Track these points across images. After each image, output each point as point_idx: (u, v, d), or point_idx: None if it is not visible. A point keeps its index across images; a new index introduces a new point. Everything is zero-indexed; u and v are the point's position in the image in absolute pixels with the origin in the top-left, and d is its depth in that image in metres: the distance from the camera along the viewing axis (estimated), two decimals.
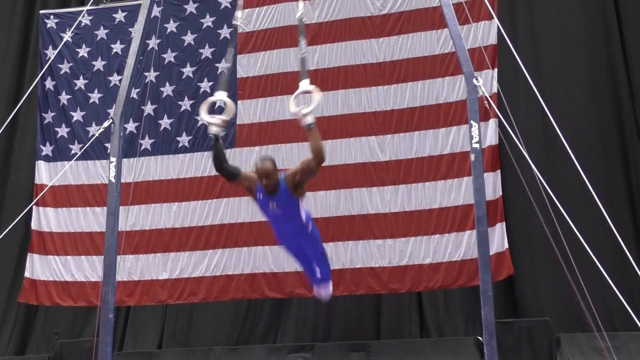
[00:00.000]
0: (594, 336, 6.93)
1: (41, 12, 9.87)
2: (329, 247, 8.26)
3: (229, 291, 8.60)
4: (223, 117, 5.01)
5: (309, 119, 4.74)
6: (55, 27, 9.49)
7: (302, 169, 4.91)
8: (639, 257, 8.55)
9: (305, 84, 4.95)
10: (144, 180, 8.96)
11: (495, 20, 7.50)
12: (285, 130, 8.55)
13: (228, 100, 5.13)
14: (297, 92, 4.95)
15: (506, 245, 7.79)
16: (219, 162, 5.02)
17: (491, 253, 6.48)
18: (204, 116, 5.07)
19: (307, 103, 4.77)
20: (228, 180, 5.25)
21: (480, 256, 5.33)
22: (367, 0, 8.68)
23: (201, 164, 8.84)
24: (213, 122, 4.96)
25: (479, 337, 7.87)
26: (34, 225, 9.17)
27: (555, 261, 7.04)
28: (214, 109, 5.46)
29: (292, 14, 8.79)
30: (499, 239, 7.77)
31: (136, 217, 8.85)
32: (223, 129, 5.00)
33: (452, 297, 9.27)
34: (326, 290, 5.57)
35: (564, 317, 8.63)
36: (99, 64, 9.42)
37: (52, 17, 9.60)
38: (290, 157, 8.52)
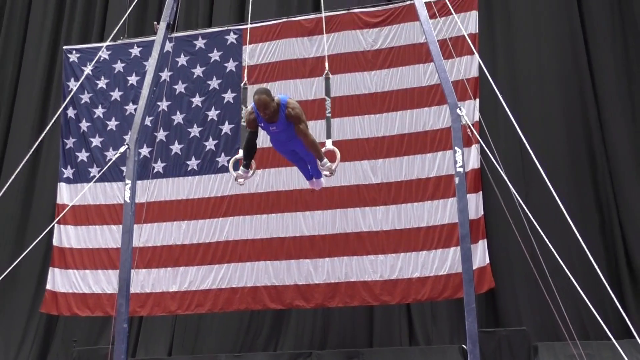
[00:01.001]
0: (568, 344, 6.91)
1: (64, 47, 9.92)
2: (326, 262, 8.30)
3: (234, 302, 8.55)
4: (248, 174, 5.67)
5: (328, 173, 5.56)
6: (77, 61, 9.53)
7: (295, 116, 5.32)
8: (608, 271, 8.62)
9: (329, 144, 5.69)
10: (156, 200, 8.94)
11: (476, 56, 7.54)
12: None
13: (253, 163, 5.70)
14: (323, 149, 5.60)
15: (487, 261, 7.77)
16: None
17: (474, 268, 6.44)
18: (232, 171, 5.82)
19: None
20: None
21: (464, 271, 5.33)
22: (361, 36, 8.72)
23: (208, 186, 8.83)
24: (239, 178, 5.68)
25: (464, 345, 7.83)
26: (55, 242, 9.15)
27: (532, 275, 7.05)
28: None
29: (291, 50, 8.86)
30: (481, 254, 7.74)
31: (149, 235, 8.82)
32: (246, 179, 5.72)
33: (438, 308, 9.23)
34: (318, 183, 6.09)
35: (541, 326, 8.60)
36: (116, 94, 9.44)
37: (74, 52, 9.65)
38: (290, 178, 8.55)
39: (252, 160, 5.65)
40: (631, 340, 6.39)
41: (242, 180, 5.71)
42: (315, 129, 8.34)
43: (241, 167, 5.64)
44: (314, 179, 5.99)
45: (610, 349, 6.90)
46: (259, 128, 5.50)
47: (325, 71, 6.06)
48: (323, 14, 7.58)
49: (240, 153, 5.73)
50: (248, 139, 5.60)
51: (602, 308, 7.11)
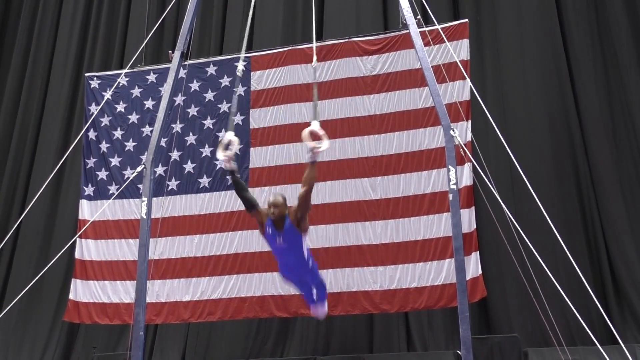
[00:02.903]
0: (556, 350, 6.86)
1: (86, 74, 9.96)
2: (329, 273, 8.23)
3: (243, 311, 8.49)
4: (229, 152, 5.06)
5: (317, 157, 4.82)
6: (97, 87, 9.56)
7: (299, 202, 4.93)
8: (593, 281, 8.57)
9: (314, 124, 4.89)
10: (170, 216, 8.90)
11: (468, 80, 7.55)
12: (291, 173, 8.53)
13: (234, 138, 5.14)
14: (309, 129, 4.87)
15: (480, 271, 7.70)
16: (240, 190, 5.15)
17: (467, 278, 6.41)
18: (218, 155, 5.15)
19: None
20: (247, 208, 5.21)
21: (458, 281, 5.30)
22: (360, 63, 8.73)
23: (219, 202, 8.80)
24: (224, 158, 5.04)
25: (458, 351, 7.77)
26: (77, 255, 9.10)
27: (522, 284, 7.01)
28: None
29: (297, 75, 8.86)
30: (474, 265, 7.68)
31: (163, 248, 8.79)
32: (234, 162, 5.09)
33: (434, 317, 9.17)
34: (322, 309, 5.61)
35: (531, 333, 8.54)
36: (133, 118, 9.45)
37: (95, 78, 9.68)
38: (296, 195, 8.51)
39: (233, 138, 5.10)
40: (615, 346, 6.36)
41: (227, 164, 5.07)
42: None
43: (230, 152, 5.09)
44: (318, 305, 5.63)
45: (596, 354, 6.83)
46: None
47: (314, 60, 5.90)
48: (314, 44, 7.48)
49: (228, 135, 5.18)
50: (247, 200, 5.16)
51: (588, 316, 7.08)
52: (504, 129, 8.15)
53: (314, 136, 4.86)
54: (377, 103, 8.58)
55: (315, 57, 5.93)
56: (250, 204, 5.17)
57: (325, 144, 4.81)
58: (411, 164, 8.29)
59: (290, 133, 8.72)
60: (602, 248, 8.99)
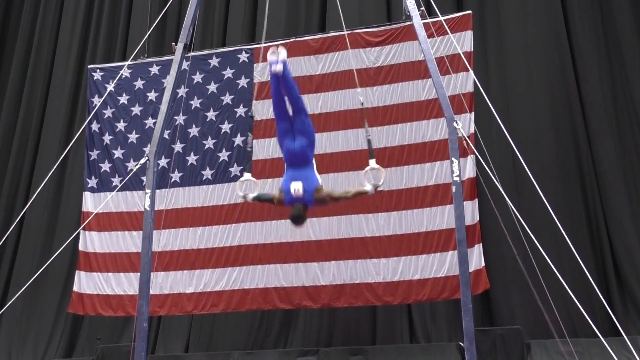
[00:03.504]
0: (559, 342, 6.86)
1: (89, 66, 9.94)
2: (332, 265, 8.27)
3: (246, 303, 8.51)
4: (252, 195, 5.63)
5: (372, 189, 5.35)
6: (100, 79, 9.55)
7: (327, 196, 5.34)
8: (596, 273, 8.58)
9: (372, 163, 5.50)
10: (173, 208, 8.92)
11: (471, 72, 7.53)
12: None
13: (253, 180, 5.72)
14: (367, 169, 5.54)
15: (483, 263, 7.72)
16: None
17: (470, 270, 6.41)
18: (239, 192, 5.67)
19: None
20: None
21: (461, 273, 5.32)
22: (363, 55, 8.70)
23: (222, 194, 8.81)
24: (247, 199, 5.65)
25: (461, 343, 7.78)
26: (81, 247, 9.13)
27: (525, 277, 7.00)
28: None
29: (299, 67, 8.82)
30: (476, 258, 7.69)
31: (167, 240, 8.80)
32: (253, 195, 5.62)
33: (437, 308, 9.18)
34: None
35: (534, 325, 8.53)
36: (136, 110, 9.45)
37: (98, 70, 9.67)
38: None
39: (252, 179, 5.74)
40: (618, 337, 6.38)
41: (242, 200, 5.77)
42: (321, 140, 8.35)
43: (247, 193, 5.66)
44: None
45: (598, 346, 6.85)
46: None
47: (362, 98, 6.27)
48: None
49: (245, 176, 5.77)
50: (265, 200, 5.65)
51: (590, 308, 7.08)
52: (507, 121, 8.12)
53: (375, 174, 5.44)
54: (380, 95, 8.56)
55: (357, 82, 6.41)
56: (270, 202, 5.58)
57: (382, 176, 5.42)
58: (414, 156, 8.29)
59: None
60: (605, 240, 8.98)
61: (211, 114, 9.13)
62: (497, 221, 6.67)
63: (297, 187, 5.21)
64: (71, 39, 12.48)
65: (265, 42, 7.49)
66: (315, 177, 5.35)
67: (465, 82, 8.08)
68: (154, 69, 9.45)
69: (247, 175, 5.75)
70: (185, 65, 7.91)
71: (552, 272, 5.22)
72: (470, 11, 8.39)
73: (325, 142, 8.52)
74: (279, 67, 5.27)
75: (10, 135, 12.47)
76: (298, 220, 5.30)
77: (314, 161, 5.48)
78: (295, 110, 5.45)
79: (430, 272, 7.94)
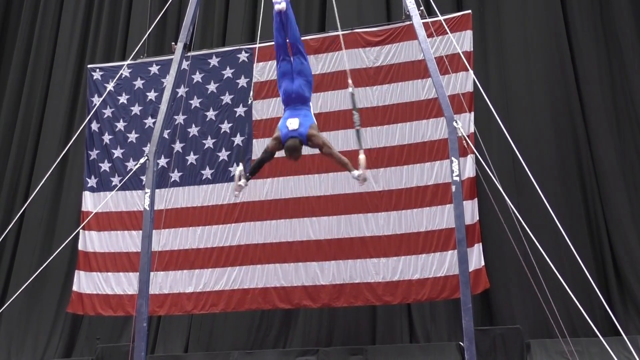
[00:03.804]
0: (559, 341, 6.87)
1: (89, 66, 9.94)
2: (332, 265, 8.27)
3: (245, 303, 8.51)
4: (244, 187, 5.61)
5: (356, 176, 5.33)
6: (100, 79, 9.55)
7: (325, 145, 5.44)
8: (596, 273, 8.58)
9: (361, 155, 5.41)
10: (173, 207, 8.91)
11: (471, 72, 7.51)
12: (293, 165, 8.53)
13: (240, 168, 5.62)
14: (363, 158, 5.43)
15: (482, 263, 7.71)
16: (257, 169, 5.72)
17: (470, 270, 6.41)
18: (236, 180, 5.59)
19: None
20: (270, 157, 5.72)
21: (461, 273, 5.31)
22: (363, 54, 8.69)
23: (222, 194, 8.80)
24: (237, 190, 5.61)
25: (461, 343, 7.78)
26: (80, 246, 9.13)
27: (525, 276, 7.01)
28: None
29: None
30: (476, 257, 7.68)
31: (166, 239, 8.80)
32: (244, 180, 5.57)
33: (437, 308, 9.18)
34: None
35: (534, 325, 8.54)
36: (136, 109, 9.45)
37: (98, 70, 9.67)
38: (298, 186, 8.55)
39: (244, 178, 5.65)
40: (618, 337, 6.37)
41: (238, 193, 5.71)
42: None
43: (242, 179, 5.56)
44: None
45: (598, 346, 6.86)
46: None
47: (350, 88, 5.96)
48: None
49: (242, 166, 5.67)
50: (262, 159, 5.68)
51: (590, 307, 7.08)
52: (507, 121, 8.12)
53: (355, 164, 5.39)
54: (380, 94, 8.56)
55: (350, 81, 5.99)
56: (268, 156, 5.65)
57: (362, 165, 5.37)
58: (414, 155, 8.28)
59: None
60: (605, 239, 8.98)
61: (211, 114, 9.13)
62: (497, 221, 6.69)
63: (293, 122, 5.43)
64: (71, 39, 12.48)
65: (263, 42, 7.49)
66: (312, 117, 5.56)
67: (465, 81, 8.07)
68: (154, 69, 9.44)
69: (240, 166, 5.69)
70: (185, 64, 7.90)
71: (552, 271, 5.21)
72: (469, 11, 8.38)
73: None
74: (282, 5, 5.56)
75: (9, 135, 12.47)
76: (293, 151, 5.43)
77: (311, 104, 5.68)
78: (294, 51, 5.69)
79: (430, 272, 7.94)
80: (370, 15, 10.37)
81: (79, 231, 8.68)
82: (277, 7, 5.60)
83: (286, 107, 5.67)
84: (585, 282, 5.41)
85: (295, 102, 5.58)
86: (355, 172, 5.34)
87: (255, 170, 5.72)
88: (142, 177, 8.12)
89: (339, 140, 8.53)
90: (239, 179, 5.54)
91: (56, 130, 11.91)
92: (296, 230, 8.50)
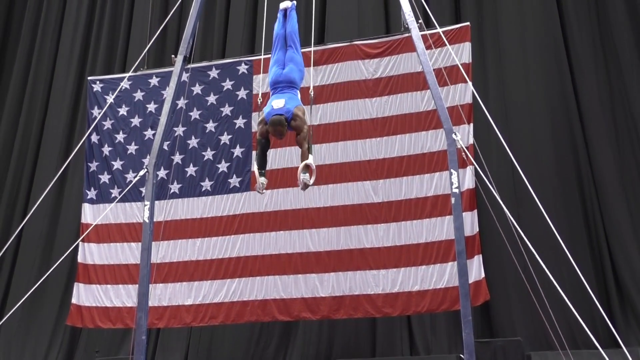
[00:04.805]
0: (559, 353, 6.84)
1: (89, 78, 9.98)
2: (331, 277, 8.25)
3: (245, 315, 8.49)
4: (263, 180, 5.63)
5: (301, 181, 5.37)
6: (100, 91, 9.58)
7: (299, 126, 5.50)
8: (596, 285, 8.55)
9: (311, 159, 5.48)
10: (172, 219, 8.92)
11: (470, 84, 7.55)
12: (293, 176, 8.51)
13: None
14: (307, 162, 5.45)
15: (483, 275, 7.70)
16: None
17: (470, 282, 6.41)
18: (258, 178, 5.62)
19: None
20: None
21: (461, 285, 5.30)
22: (362, 66, 8.74)
23: (221, 205, 8.81)
24: (260, 189, 5.66)
25: (461, 355, 7.73)
26: (80, 259, 9.12)
27: (525, 288, 6.99)
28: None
29: None
30: (476, 269, 7.68)
31: (166, 251, 8.79)
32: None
33: (437, 320, 9.15)
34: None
35: (534, 337, 8.51)
36: (136, 121, 9.47)
37: (98, 82, 9.71)
38: (297, 198, 8.55)
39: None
40: (618, 349, 6.34)
41: (262, 190, 5.69)
42: (320, 151, 8.38)
43: (262, 177, 5.61)
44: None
45: (599, 358, 6.82)
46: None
47: (310, 95, 6.33)
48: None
49: (255, 166, 5.75)
50: (262, 149, 5.73)
51: (590, 319, 7.07)
52: (506, 132, 8.14)
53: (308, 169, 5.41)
54: (379, 106, 8.59)
55: (312, 93, 6.42)
56: (264, 143, 5.77)
57: (313, 179, 5.41)
58: (413, 167, 8.29)
59: (291, 136, 8.71)
60: (605, 251, 8.97)
61: (210, 125, 9.15)
62: (497, 232, 6.68)
63: (279, 101, 5.53)
64: (71, 50, 12.52)
65: (264, 55, 7.51)
66: (299, 100, 5.66)
67: (463, 93, 8.10)
68: (154, 81, 9.48)
69: (254, 165, 5.83)
70: (184, 76, 7.93)
71: (552, 283, 5.20)
72: (468, 23, 8.43)
73: (325, 154, 8.53)
74: (287, 3, 6.09)
75: (9, 146, 12.48)
76: (276, 125, 5.44)
77: (299, 93, 5.77)
78: (289, 43, 5.94)
79: (429, 284, 7.92)
80: (370, 28, 10.42)
81: (78, 243, 8.66)
82: (282, 5, 6.14)
83: (273, 92, 5.76)
84: (586, 293, 5.40)
85: (283, 86, 5.69)
86: (302, 176, 5.39)
87: (263, 163, 5.75)
88: (141, 189, 8.11)
89: (339, 151, 8.56)
90: (260, 176, 5.61)
91: (56, 141, 11.93)
92: (295, 242, 8.50)
